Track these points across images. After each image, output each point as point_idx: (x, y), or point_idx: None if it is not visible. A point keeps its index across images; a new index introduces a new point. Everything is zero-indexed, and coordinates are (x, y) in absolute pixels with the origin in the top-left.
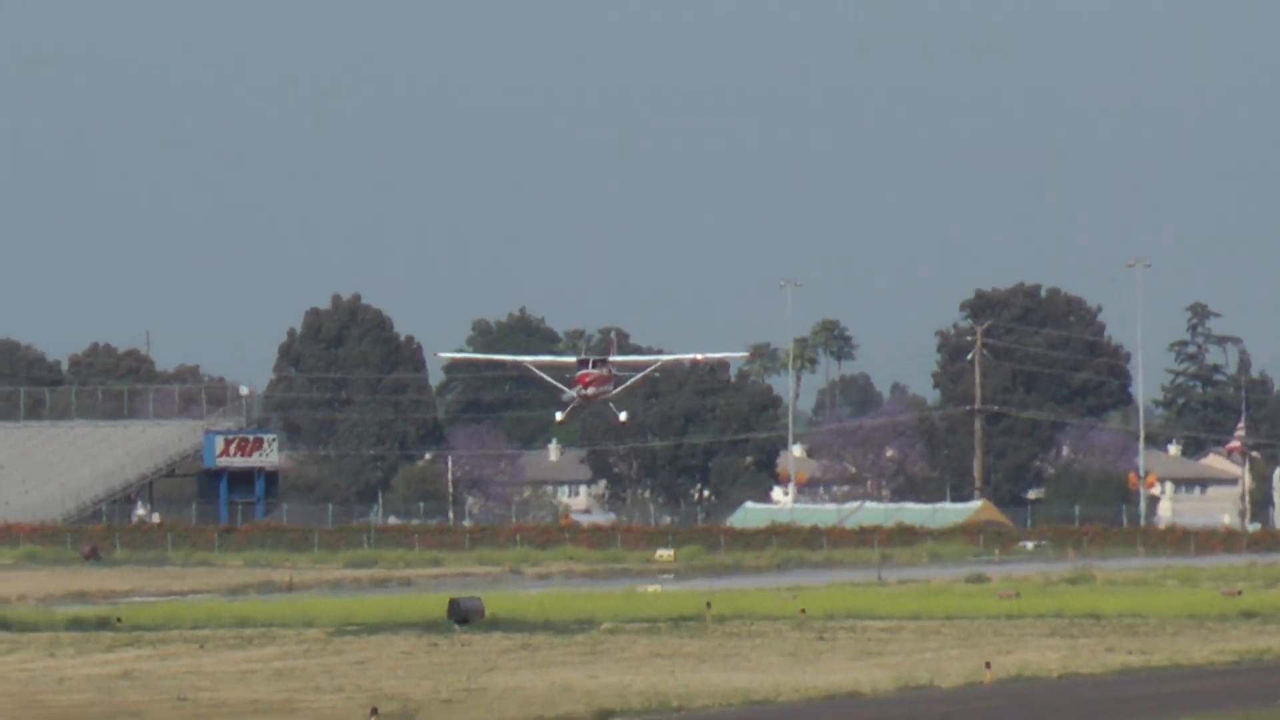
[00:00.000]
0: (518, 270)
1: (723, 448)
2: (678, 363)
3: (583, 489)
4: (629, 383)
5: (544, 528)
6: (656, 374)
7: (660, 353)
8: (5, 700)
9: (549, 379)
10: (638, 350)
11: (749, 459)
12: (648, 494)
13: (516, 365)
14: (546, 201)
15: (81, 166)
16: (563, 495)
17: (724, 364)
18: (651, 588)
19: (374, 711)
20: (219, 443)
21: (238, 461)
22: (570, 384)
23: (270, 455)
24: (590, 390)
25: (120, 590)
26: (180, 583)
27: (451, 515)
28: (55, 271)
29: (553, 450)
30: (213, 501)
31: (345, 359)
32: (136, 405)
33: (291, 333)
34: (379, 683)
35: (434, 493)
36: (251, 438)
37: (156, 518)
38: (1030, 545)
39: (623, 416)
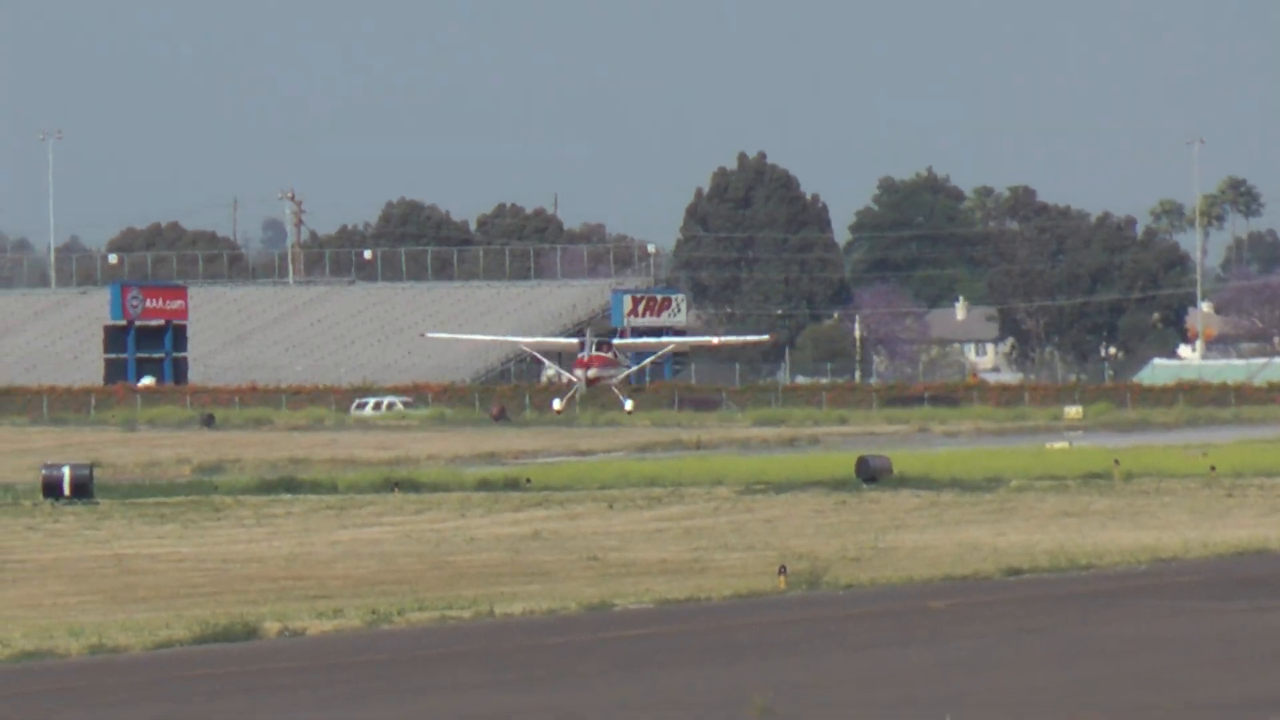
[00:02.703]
0: (924, 127)
1: (1130, 305)
2: (692, 345)
3: (990, 347)
4: (639, 366)
5: (951, 386)
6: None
7: (1068, 210)
8: (416, 561)
9: (546, 359)
10: (1044, 209)
11: (1156, 316)
12: (1055, 351)
13: (513, 346)
14: (951, 57)
15: (488, 32)
16: (970, 353)
17: (1130, 221)
18: (1059, 445)
19: (782, 570)
20: (627, 302)
21: (645, 321)
22: (571, 366)
23: (678, 314)
24: (592, 373)
25: (529, 450)
26: (588, 442)
27: (858, 374)
28: (462, 133)
29: (960, 309)
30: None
31: (751, 218)
32: (543, 265)
33: (699, 192)
34: (787, 541)
35: (841, 351)
36: (659, 297)
37: (565, 377)
38: None
39: (628, 406)
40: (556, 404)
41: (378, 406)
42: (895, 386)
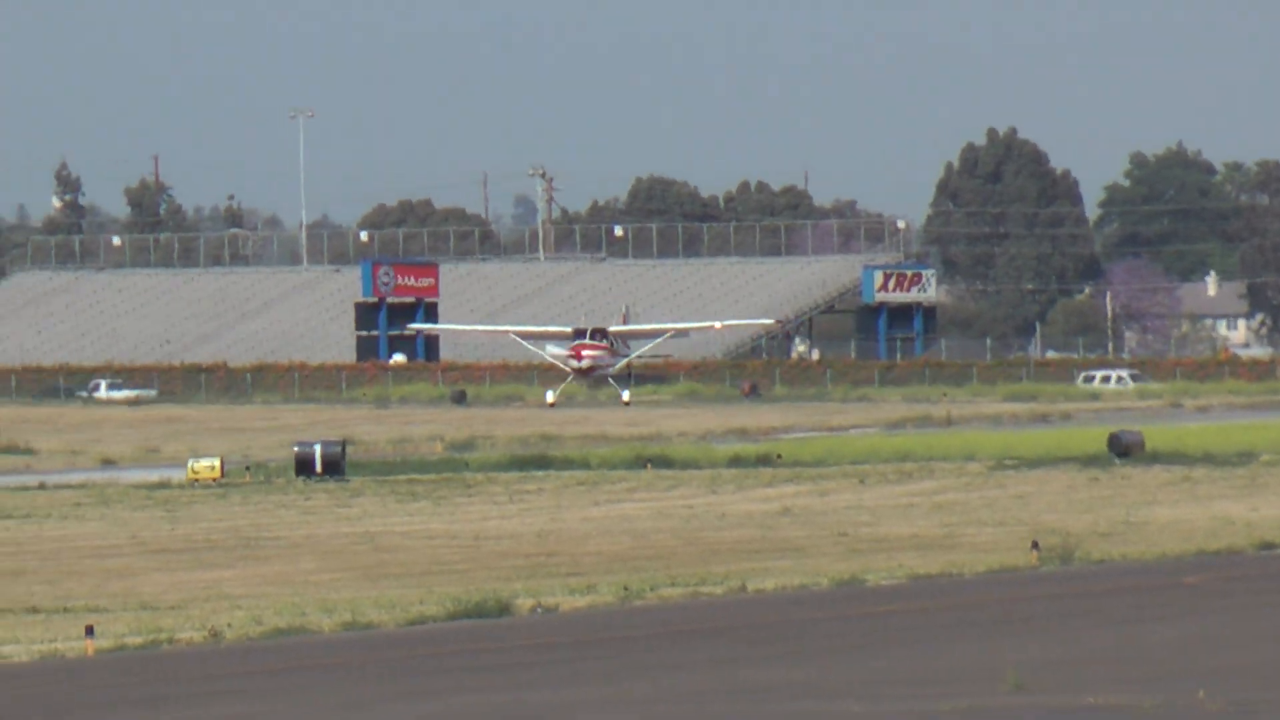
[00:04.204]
0: (1175, 101)
1: None
2: (692, 330)
3: (1241, 322)
4: (638, 353)
5: (1202, 361)
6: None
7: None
8: (668, 537)
9: (536, 349)
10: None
11: None
12: None
13: (505, 335)
14: (1200, 31)
15: (735, 8)
16: (1221, 328)
17: None
18: None
19: (1035, 545)
20: (877, 277)
21: (896, 296)
22: (566, 356)
23: (928, 290)
24: (585, 363)
25: (780, 426)
26: (839, 418)
27: (1110, 348)
28: (711, 110)
29: (1211, 283)
30: (871, 337)
31: (1002, 193)
32: (794, 241)
33: (949, 167)
34: (1039, 516)
35: (1092, 326)
36: (910, 272)
37: (816, 354)
38: None
39: (625, 396)
40: (550, 396)
41: (112, 388)
42: (1146, 361)
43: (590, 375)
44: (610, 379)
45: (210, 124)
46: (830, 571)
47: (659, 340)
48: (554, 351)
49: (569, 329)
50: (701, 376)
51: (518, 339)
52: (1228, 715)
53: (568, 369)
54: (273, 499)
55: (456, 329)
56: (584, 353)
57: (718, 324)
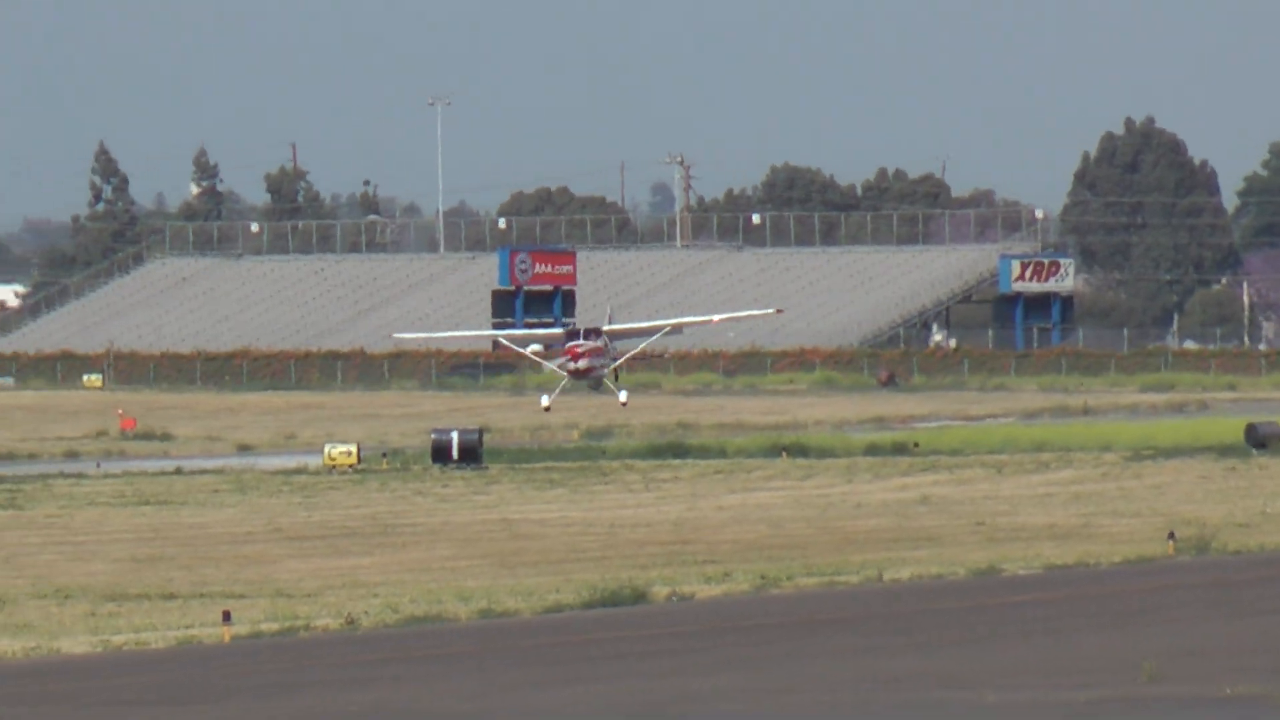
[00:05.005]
0: None
1: None
2: (685, 326)
3: None
4: (634, 351)
5: None
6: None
7: None
8: (803, 525)
9: (526, 353)
10: None
11: None
12: None
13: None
14: None
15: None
16: None
17: None
18: None
19: (1171, 536)
20: (1015, 267)
21: (1033, 286)
22: (560, 356)
23: (1066, 280)
24: (581, 364)
25: (917, 415)
26: (976, 407)
27: (1247, 339)
28: (848, 99)
29: None
30: (1008, 326)
31: (1139, 183)
32: (931, 230)
33: (1086, 157)
34: (1175, 507)
35: (1229, 317)
36: (1047, 262)
37: (953, 343)
38: None
39: (623, 397)
40: (545, 400)
41: None
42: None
43: (587, 376)
44: (606, 380)
45: (348, 111)
46: (967, 561)
47: (656, 337)
48: (536, 350)
49: (560, 330)
50: (839, 365)
51: (506, 343)
52: None
53: (562, 371)
54: (409, 486)
55: (438, 336)
56: (580, 354)
57: (715, 318)
